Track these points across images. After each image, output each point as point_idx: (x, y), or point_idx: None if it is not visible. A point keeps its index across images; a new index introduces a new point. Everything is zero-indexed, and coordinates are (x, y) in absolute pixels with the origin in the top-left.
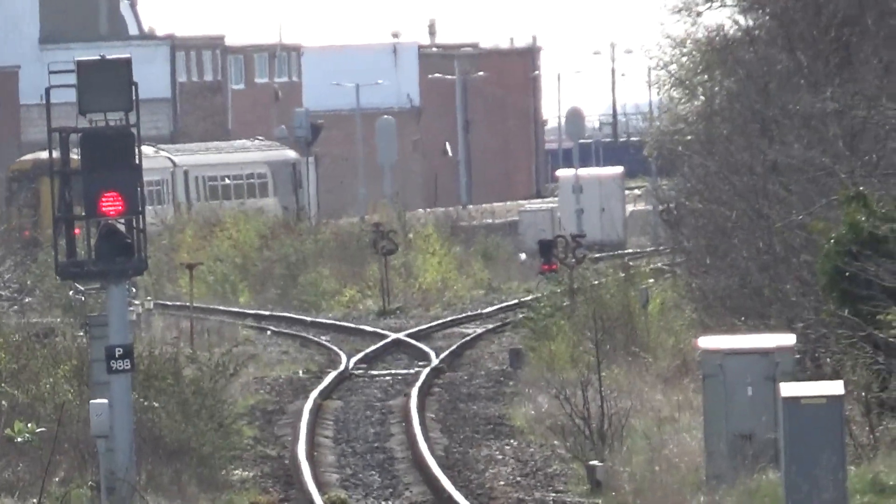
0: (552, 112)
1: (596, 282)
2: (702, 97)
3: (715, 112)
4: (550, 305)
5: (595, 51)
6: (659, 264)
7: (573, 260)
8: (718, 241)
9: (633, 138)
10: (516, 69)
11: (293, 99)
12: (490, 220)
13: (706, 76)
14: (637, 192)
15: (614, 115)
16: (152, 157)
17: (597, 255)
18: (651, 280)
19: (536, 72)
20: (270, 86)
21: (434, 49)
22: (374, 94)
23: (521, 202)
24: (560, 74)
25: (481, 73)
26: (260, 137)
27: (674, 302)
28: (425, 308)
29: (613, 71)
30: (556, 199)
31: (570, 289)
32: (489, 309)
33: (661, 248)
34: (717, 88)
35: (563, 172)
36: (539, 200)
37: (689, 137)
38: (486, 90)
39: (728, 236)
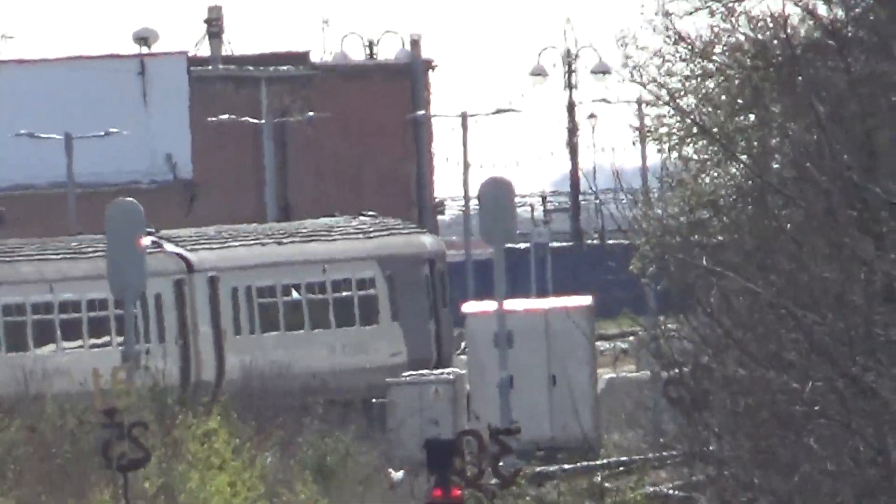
0: (452, 188)
1: None
2: (744, 157)
3: (771, 186)
4: None
5: (534, 70)
6: (664, 487)
7: (495, 480)
8: (778, 440)
9: (611, 240)
10: (383, 103)
11: None
12: (331, 399)
13: (751, 115)
14: (620, 344)
15: (574, 192)
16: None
17: (541, 469)
18: None
19: (421, 111)
20: None
21: (221, 68)
22: (100, 156)
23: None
24: (467, 114)
25: (312, 114)
26: (371, 213)
27: None
28: None
29: (571, 106)
30: (461, 358)
31: None
32: None
33: (668, 453)
34: (774, 140)
35: (473, 308)
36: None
37: (719, 238)
38: (323, 144)
39: (797, 432)
